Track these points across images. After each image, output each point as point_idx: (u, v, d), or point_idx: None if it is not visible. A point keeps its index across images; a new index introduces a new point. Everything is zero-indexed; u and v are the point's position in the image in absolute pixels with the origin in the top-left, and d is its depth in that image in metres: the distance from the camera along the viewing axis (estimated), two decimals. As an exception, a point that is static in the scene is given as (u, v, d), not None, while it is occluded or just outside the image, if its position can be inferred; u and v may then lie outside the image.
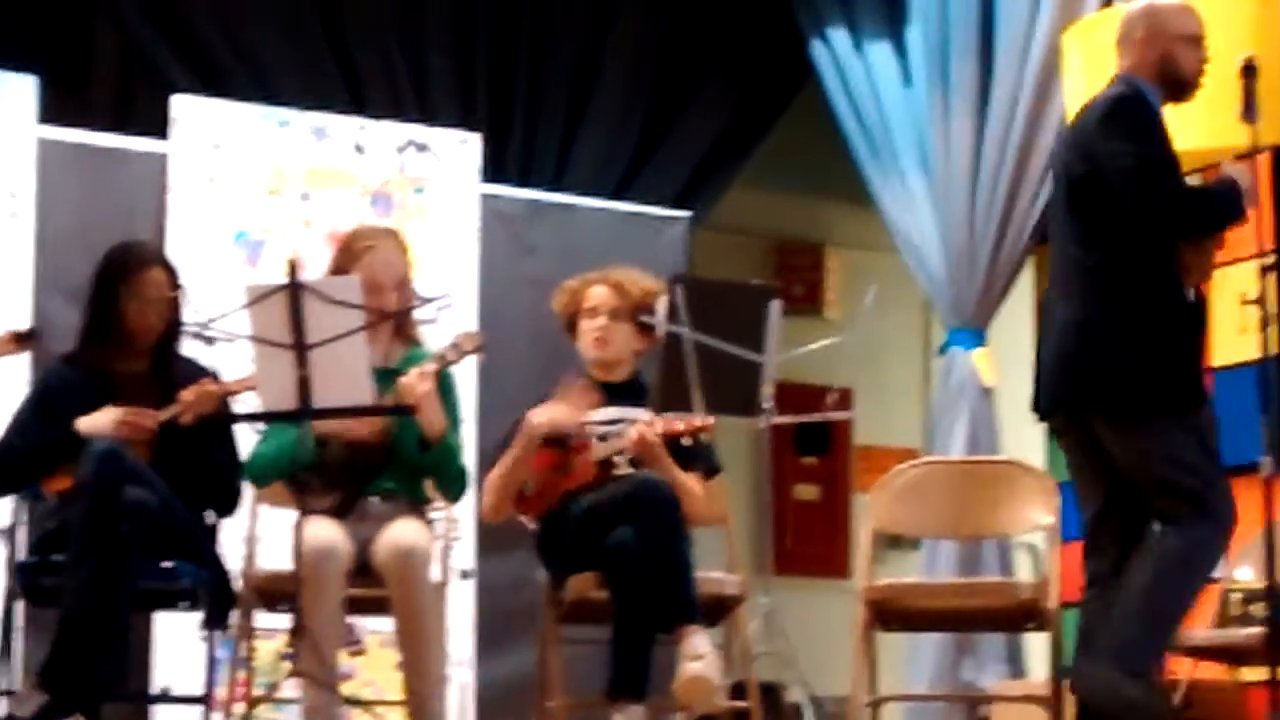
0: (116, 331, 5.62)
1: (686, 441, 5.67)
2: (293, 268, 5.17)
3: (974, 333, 8.20)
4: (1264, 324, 5.17)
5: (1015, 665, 7.88)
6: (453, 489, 5.65)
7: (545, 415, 5.73)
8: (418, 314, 5.84)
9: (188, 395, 5.46)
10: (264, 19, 8.49)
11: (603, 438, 5.78)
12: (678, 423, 5.66)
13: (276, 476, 5.56)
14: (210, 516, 5.65)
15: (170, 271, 5.69)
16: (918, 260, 8.38)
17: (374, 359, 5.30)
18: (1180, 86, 5.21)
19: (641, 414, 5.79)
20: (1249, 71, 5.14)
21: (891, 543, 8.66)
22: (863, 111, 8.63)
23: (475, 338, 5.52)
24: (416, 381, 5.36)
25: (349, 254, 5.63)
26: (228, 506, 5.66)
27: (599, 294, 5.94)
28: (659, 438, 5.63)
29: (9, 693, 5.36)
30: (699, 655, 5.29)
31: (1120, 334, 5.05)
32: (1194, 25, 5.22)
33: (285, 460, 5.43)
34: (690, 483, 5.73)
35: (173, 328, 5.66)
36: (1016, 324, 8.61)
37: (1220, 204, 5.09)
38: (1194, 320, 5.15)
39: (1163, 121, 5.12)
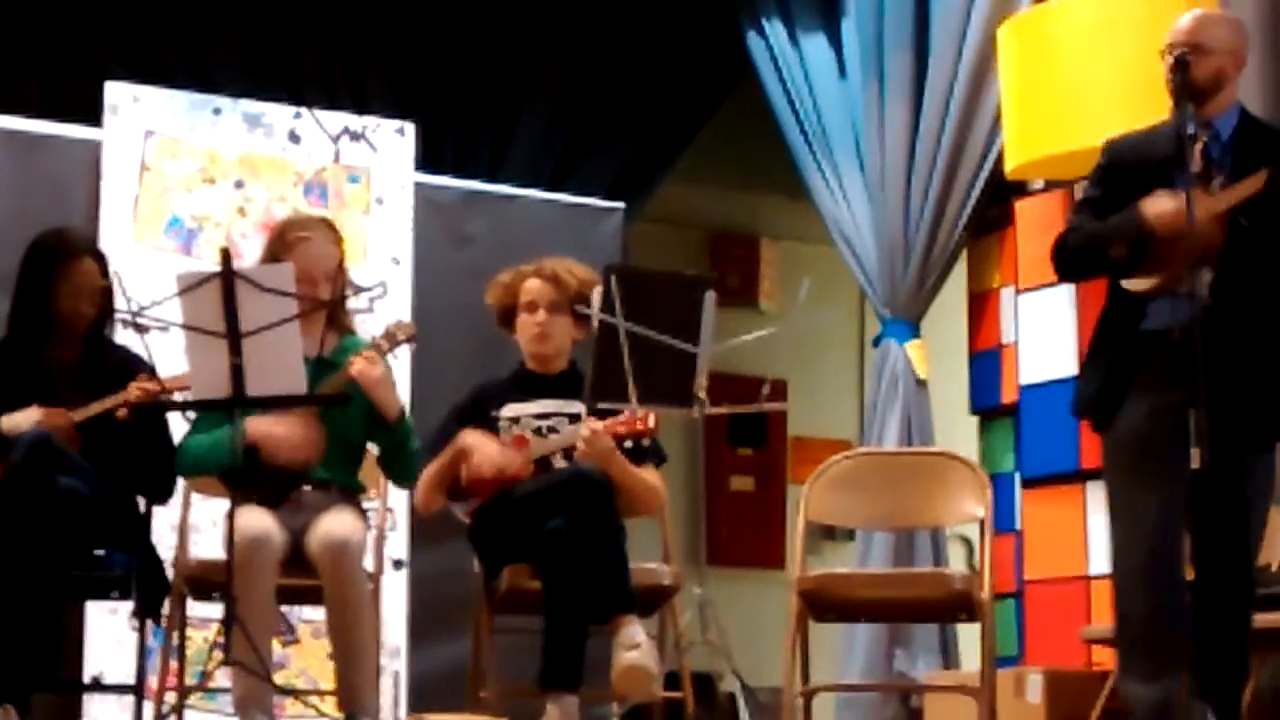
0: (47, 319, 5.59)
1: (628, 444, 5.68)
2: (226, 256, 5.16)
3: (908, 325, 8.23)
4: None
5: (948, 656, 7.91)
6: (405, 471, 5.64)
7: (480, 448, 5.73)
8: (352, 303, 5.83)
9: (134, 392, 5.43)
10: (199, 6, 8.45)
11: (538, 432, 5.78)
12: (620, 425, 5.66)
13: (205, 472, 5.55)
14: (142, 504, 5.63)
15: (101, 259, 5.67)
16: (852, 252, 8.41)
17: (307, 348, 5.29)
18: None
19: (575, 408, 5.79)
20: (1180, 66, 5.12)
21: (826, 533, 8.72)
22: (798, 104, 8.65)
23: (408, 327, 5.52)
24: (367, 367, 5.35)
25: (282, 243, 5.62)
26: (162, 494, 5.65)
27: (535, 287, 5.93)
28: (608, 440, 5.62)
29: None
30: (635, 644, 5.29)
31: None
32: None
33: (212, 463, 5.42)
34: (650, 477, 5.74)
35: (104, 315, 5.64)
36: (950, 317, 8.65)
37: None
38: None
39: None
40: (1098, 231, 5.05)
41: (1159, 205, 4.91)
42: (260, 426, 5.35)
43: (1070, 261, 5.18)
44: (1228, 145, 4.98)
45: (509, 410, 5.84)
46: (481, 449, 5.73)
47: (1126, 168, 5.11)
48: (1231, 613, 4.88)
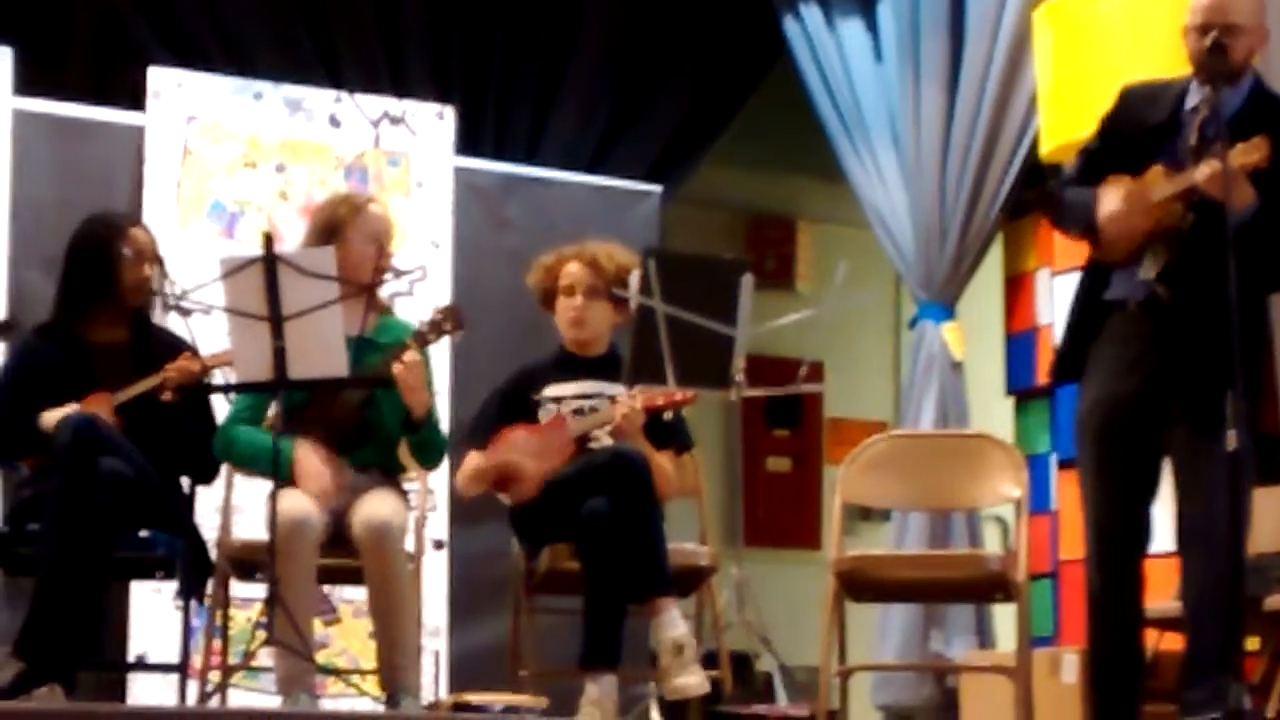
0: (102, 296, 5.63)
1: (667, 416, 5.72)
2: (268, 240, 5.20)
3: (943, 307, 8.24)
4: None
5: (983, 636, 7.94)
6: (432, 459, 5.69)
7: (524, 467, 5.78)
8: (391, 286, 5.87)
9: (172, 372, 5.48)
10: (241, -9, 8.50)
11: (578, 412, 5.82)
12: (658, 397, 5.70)
13: (245, 471, 5.62)
14: (186, 485, 5.68)
15: (151, 232, 5.74)
16: (888, 235, 8.42)
17: (348, 328, 5.32)
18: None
19: (616, 389, 5.83)
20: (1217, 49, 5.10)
21: (862, 515, 8.73)
22: (834, 87, 8.66)
23: (454, 317, 5.53)
24: (410, 370, 5.39)
25: (349, 206, 5.67)
26: (205, 475, 5.70)
27: (574, 271, 5.97)
28: (640, 414, 5.68)
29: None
30: (680, 647, 5.36)
31: None
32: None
33: (259, 468, 5.48)
34: (662, 461, 5.77)
35: (152, 296, 5.68)
36: (986, 299, 8.68)
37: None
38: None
39: None
40: (1069, 200, 5.13)
41: (1111, 202, 4.94)
42: (303, 454, 5.39)
43: (1053, 218, 5.31)
44: (1230, 120, 4.88)
45: (550, 391, 5.89)
46: (525, 469, 5.76)
47: (1128, 125, 5.13)
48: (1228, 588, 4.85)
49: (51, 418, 5.41)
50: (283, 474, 5.27)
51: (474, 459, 5.83)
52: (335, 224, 5.63)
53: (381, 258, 5.58)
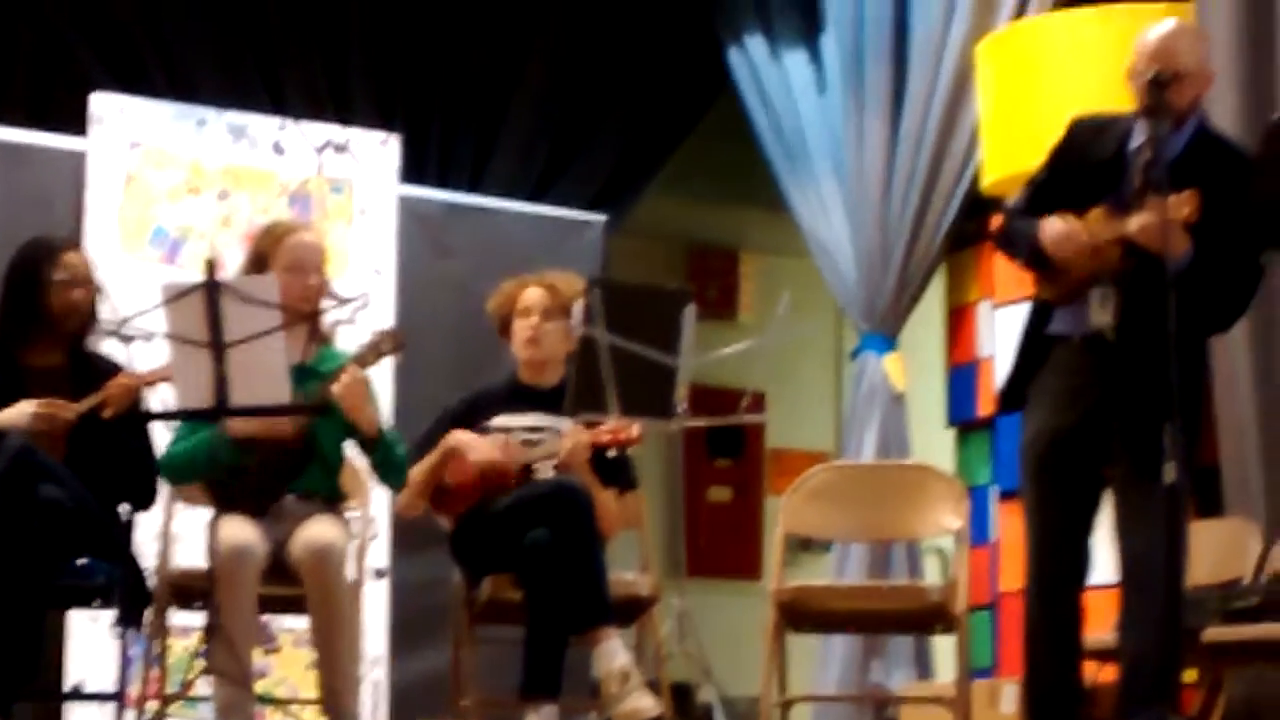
0: (36, 321, 5.58)
1: (612, 453, 5.73)
2: (210, 266, 5.18)
3: (885, 338, 8.27)
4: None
5: (923, 667, 7.96)
6: (395, 477, 5.68)
7: (470, 444, 5.78)
8: (335, 314, 5.86)
9: (114, 387, 5.45)
10: (185, 18, 8.47)
11: (526, 443, 5.82)
12: (605, 434, 5.71)
13: (193, 477, 5.56)
14: (125, 513, 5.65)
15: (87, 256, 5.70)
16: (830, 266, 8.46)
17: (290, 355, 5.31)
18: None
19: (565, 424, 5.83)
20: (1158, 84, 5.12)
21: (803, 545, 8.74)
22: (778, 117, 8.69)
23: (392, 338, 5.53)
24: (350, 389, 5.38)
25: (270, 238, 5.66)
26: (144, 501, 5.64)
27: (532, 295, 6.00)
28: (586, 449, 5.69)
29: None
30: (626, 674, 5.37)
31: None
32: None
33: (202, 460, 5.44)
34: (605, 498, 5.78)
35: (90, 321, 5.65)
36: (927, 330, 8.71)
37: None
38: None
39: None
40: (1014, 231, 5.17)
41: (1054, 231, 4.98)
42: (248, 428, 5.38)
43: (999, 246, 5.36)
44: (1173, 163, 4.92)
45: (500, 420, 5.89)
46: (472, 444, 5.78)
47: (1075, 157, 5.15)
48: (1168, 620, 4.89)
49: (6, 416, 5.36)
50: (223, 457, 5.22)
51: (416, 469, 5.83)
52: (259, 255, 5.65)
53: (304, 287, 5.53)
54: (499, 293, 6.09)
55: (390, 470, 5.62)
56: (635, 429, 5.71)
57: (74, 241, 5.84)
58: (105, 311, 5.55)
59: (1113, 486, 5.05)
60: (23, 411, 5.39)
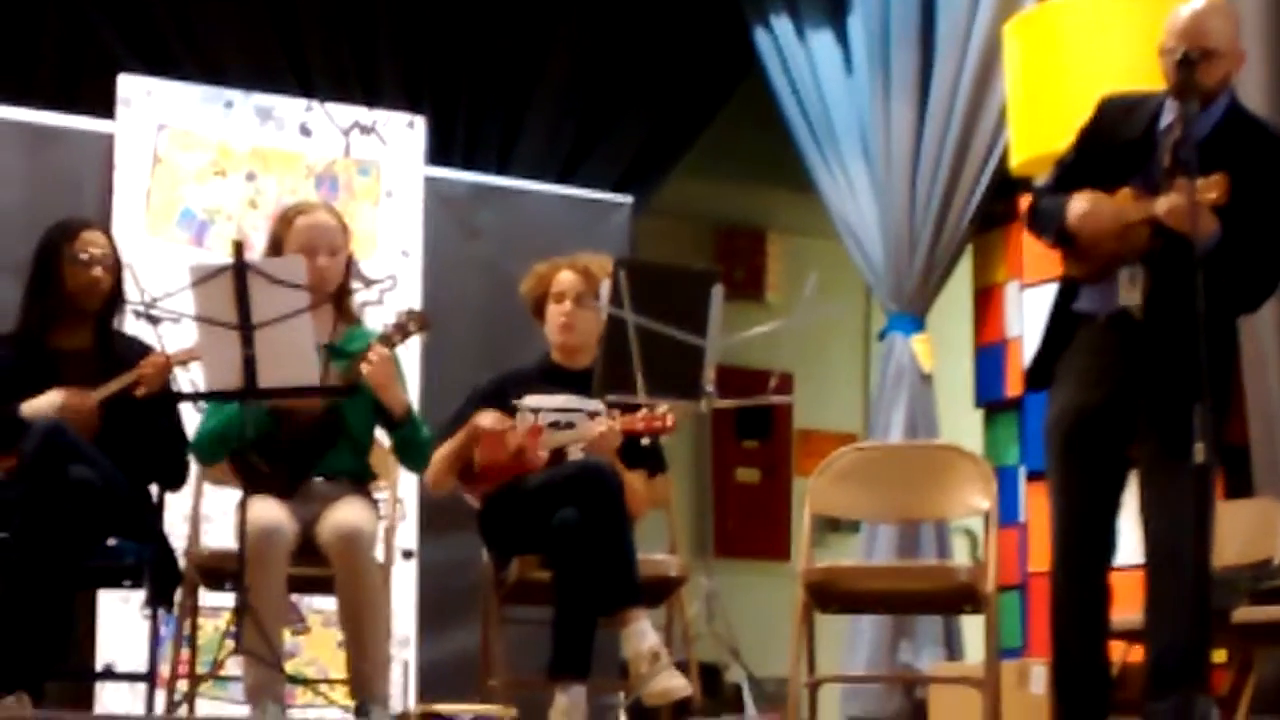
0: (58, 301, 5.59)
1: (645, 441, 5.73)
2: (238, 248, 5.19)
3: (913, 319, 8.27)
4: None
5: (952, 647, 7.95)
6: (416, 459, 5.69)
7: (497, 429, 5.79)
8: (361, 295, 5.86)
9: (147, 366, 5.46)
10: (212, 0, 8.49)
11: (555, 425, 5.82)
12: (638, 422, 5.70)
13: (225, 451, 5.56)
14: (155, 494, 5.66)
15: (109, 235, 5.71)
16: (858, 246, 8.45)
17: (318, 336, 5.31)
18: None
19: (592, 404, 5.83)
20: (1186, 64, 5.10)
21: (831, 526, 8.75)
22: (805, 99, 8.69)
23: (419, 317, 5.53)
24: (378, 368, 5.39)
25: (283, 222, 5.67)
26: (175, 480, 5.66)
27: (566, 279, 6.00)
28: (618, 435, 5.69)
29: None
30: (656, 654, 5.37)
31: None
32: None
33: (233, 434, 5.43)
34: (633, 480, 5.77)
35: (115, 302, 5.66)
36: (955, 311, 8.69)
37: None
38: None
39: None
40: (1042, 209, 5.16)
41: (1078, 207, 4.96)
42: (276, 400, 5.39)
43: (1029, 226, 5.32)
44: (1202, 143, 4.90)
45: (530, 400, 5.88)
46: (498, 429, 5.79)
47: (1104, 138, 5.14)
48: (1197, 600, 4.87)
49: (33, 406, 5.39)
50: (252, 431, 5.25)
51: (444, 446, 5.83)
52: (275, 239, 5.67)
53: (314, 269, 5.47)
54: (532, 274, 6.09)
55: (412, 451, 5.62)
56: (670, 418, 5.71)
57: (94, 221, 5.83)
58: (132, 292, 5.57)
59: (1139, 466, 5.04)
60: (50, 401, 5.40)
